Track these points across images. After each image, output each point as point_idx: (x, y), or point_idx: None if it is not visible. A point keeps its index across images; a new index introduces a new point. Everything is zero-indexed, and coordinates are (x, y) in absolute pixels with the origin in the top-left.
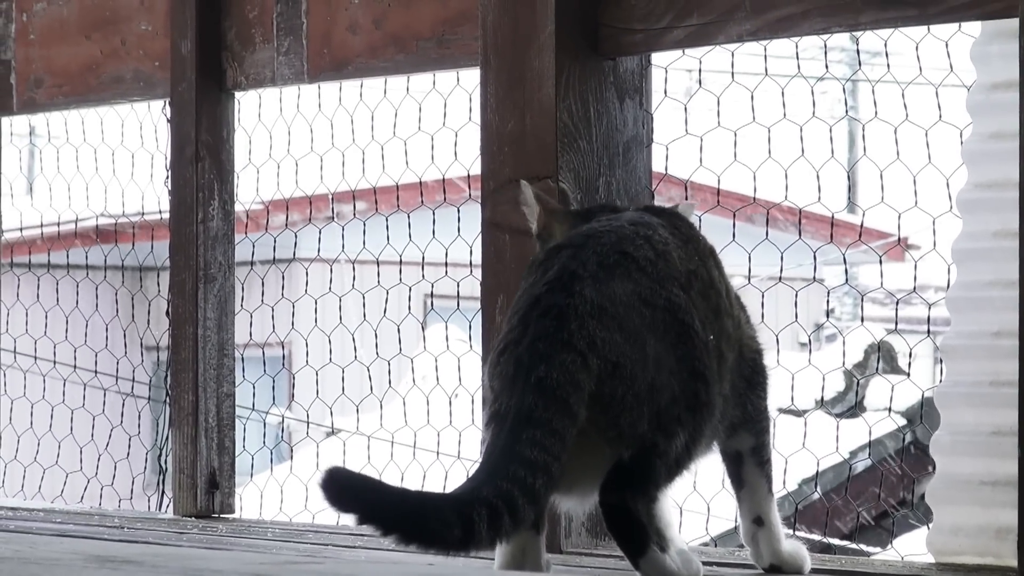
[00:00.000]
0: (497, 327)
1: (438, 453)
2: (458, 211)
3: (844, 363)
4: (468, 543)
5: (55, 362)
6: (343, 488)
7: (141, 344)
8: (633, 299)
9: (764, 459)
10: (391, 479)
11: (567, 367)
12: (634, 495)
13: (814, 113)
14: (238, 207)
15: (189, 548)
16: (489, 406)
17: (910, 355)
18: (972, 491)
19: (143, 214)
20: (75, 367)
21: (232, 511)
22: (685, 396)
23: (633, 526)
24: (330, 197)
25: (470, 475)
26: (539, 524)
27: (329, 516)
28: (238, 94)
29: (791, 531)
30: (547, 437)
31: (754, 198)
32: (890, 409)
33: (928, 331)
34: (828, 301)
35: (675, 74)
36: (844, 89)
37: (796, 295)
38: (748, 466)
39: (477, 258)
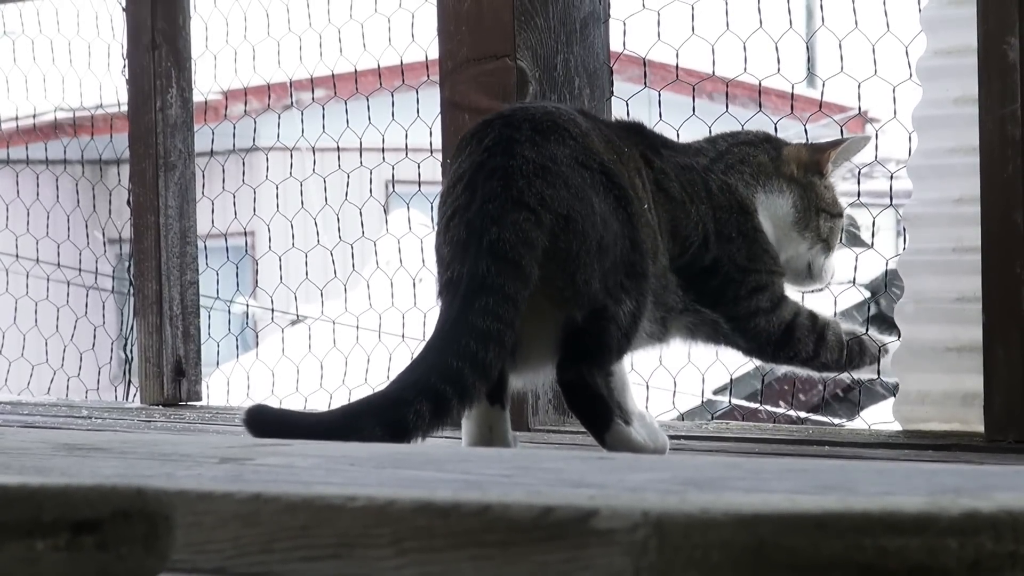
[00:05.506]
0: None
1: (403, 336)
2: (417, 93)
3: None
4: (401, 438)
5: (17, 256)
6: (265, 423)
7: (103, 236)
8: (571, 161)
9: None
10: (357, 363)
11: (520, 225)
12: (590, 368)
13: None
14: (197, 96)
15: (157, 434)
16: (441, 274)
17: (873, 226)
18: (937, 358)
19: (101, 106)
20: (37, 260)
21: (199, 398)
22: (625, 264)
23: (594, 401)
24: (289, 84)
25: (424, 347)
26: (503, 400)
27: (295, 402)
28: None
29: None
30: (500, 304)
31: (713, 72)
32: (854, 281)
33: (891, 202)
34: None
35: None
36: None
37: None
38: None
39: (437, 141)
